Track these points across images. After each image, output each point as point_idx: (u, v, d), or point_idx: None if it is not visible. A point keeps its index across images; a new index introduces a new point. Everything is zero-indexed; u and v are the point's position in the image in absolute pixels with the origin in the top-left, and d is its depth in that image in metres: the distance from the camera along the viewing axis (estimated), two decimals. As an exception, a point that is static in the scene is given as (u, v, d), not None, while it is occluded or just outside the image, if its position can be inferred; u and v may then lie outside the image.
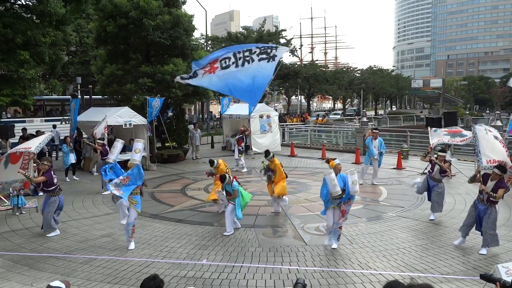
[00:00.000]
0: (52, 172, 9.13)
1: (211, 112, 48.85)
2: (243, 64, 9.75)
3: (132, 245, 8.16)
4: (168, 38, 18.20)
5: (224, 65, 9.75)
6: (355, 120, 39.76)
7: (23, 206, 10.93)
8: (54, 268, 7.15)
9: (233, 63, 9.76)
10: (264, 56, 9.79)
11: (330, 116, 57.08)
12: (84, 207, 11.46)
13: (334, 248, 7.91)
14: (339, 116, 58.14)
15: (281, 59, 48.70)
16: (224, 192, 9.12)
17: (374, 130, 14.47)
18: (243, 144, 17.25)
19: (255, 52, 9.79)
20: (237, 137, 17.34)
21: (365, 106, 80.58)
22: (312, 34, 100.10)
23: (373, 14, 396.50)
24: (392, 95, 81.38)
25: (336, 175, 7.76)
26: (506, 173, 7.62)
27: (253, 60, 9.79)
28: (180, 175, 16.10)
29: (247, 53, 9.80)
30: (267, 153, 10.33)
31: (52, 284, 3.37)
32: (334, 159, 8.10)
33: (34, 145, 9.43)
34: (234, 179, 8.92)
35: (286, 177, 10.34)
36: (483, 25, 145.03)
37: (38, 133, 18.20)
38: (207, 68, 9.79)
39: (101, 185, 12.84)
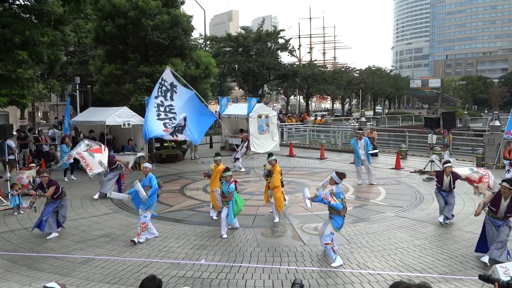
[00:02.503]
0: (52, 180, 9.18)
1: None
2: (171, 97, 10.93)
3: (141, 240, 8.45)
4: (167, 38, 18.21)
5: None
6: (350, 121, 39.69)
7: (21, 206, 10.92)
8: (52, 268, 7.14)
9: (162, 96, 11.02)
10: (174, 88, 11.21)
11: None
12: (82, 207, 11.45)
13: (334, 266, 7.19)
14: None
15: (280, 59, 48.86)
16: (219, 192, 9.06)
17: (358, 131, 14.55)
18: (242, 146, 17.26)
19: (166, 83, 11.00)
20: (244, 144, 17.25)
21: (364, 106, 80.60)
22: (310, 34, 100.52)
23: (371, 14, 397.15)
24: (391, 95, 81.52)
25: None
26: None
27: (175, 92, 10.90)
28: (178, 175, 16.10)
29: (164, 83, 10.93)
30: (270, 155, 10.32)
31: (48, 285, 3.36)
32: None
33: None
34: (234, 183, 8.87)
35: (283, 186, 10.05)
36: (481, 25, 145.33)
37: (40, 132, 18.27)
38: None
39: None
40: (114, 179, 12.56)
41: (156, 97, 11.17)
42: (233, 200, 8.78)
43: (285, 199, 10.13)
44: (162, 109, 11.12)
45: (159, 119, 11.06)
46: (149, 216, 8.62)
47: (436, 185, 9.76)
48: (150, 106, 11.18)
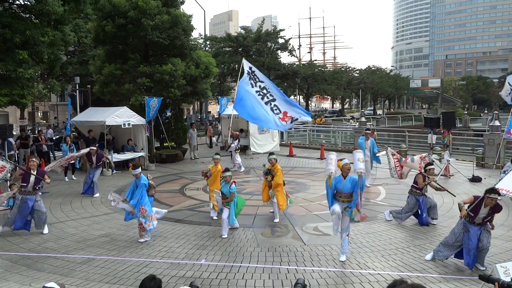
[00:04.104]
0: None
1: (210, 112, 48.84)
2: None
3: (142, 239, 8.53)
4: (167, 38, 18.20)
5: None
6: (350, 120, 39.64)
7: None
8: (52, 268, 7.14)
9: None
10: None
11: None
12: (82, 207, 11.45)
13: (341, 261, 7.35)
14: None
15: (279, 58, 48.83)
16: (220, 194, 9.05)
17: (366, 131, 14.37)
18: (237, 143, 17.10)
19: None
20: (235, 142, 17.12)
21: (364, 106, 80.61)
22: (310, 34, 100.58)
23: (371, 14, 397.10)
24: (391, 95, 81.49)
25: (345, 177, 7.37)
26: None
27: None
28: (178, 175, 16.09)
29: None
30: (271, 153, 10.42)
31: (47, 285, 3.36)
32: (343, 159, 7.70)
33: None
34: (234, 183, 8.87)
35: (284, 184, 10.08)
36: (481, 25, 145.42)
37: (39, 133, 18.33)
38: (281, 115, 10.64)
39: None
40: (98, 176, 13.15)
41: (253, 86, 10.57)
42: (235, 201, 8.78)
43: (288, 196, 10.14)
44: (264, 92, 10.61)
45: (266, 103, 10.54)
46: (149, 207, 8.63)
47: (415, 187, 9.57)
48: (248, 96, 10.52)
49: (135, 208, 8.42)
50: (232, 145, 16.85)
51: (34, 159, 9.37)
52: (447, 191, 9.37)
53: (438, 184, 9.56)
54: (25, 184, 9.06)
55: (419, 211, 9.55)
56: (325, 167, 7.41)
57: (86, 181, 12.93)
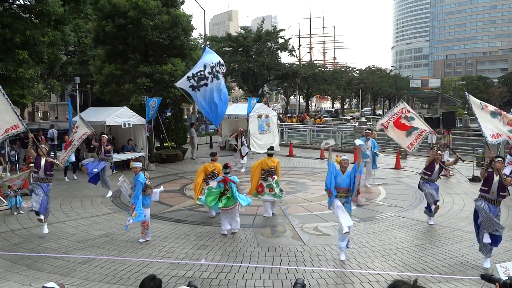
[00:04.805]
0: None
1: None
2: (212, 80, 9.88)
3: (142, 239, 8.56)
4: (167, 38, 18.20)
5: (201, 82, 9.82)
6: (351, 121, 39.61)
7: (21, 206, 10.92)
8: (52, 268, 7.14)
9: (206, 78, 9.81)
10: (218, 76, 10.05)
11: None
12: (82, 207, 11.45)
13: (342, 260, 7.37)
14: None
15: (279, 58, 48.75)
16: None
17: (366, 132, 14.29)
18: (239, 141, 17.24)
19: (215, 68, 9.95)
20: (245, 143, 17.25)
21: (364, 106, 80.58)
22: (310, 34, 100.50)
23: (371, 14, 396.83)
24: (391, 95, 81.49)
25: (343, 172, 7.56)
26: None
27: (218, 78, 10.00)
28: (178, 175, 16.09)
29: (217, 68, 9.96)
30: (270, 148, 10.82)
31: (47, 285, 3.36)
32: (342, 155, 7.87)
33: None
34: (223, 182, 8.91)
35: (266, 180, 10.19)
36: (481, 25, 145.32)
37: (39, 133, 18.32)
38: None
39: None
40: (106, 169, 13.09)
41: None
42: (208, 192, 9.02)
43: (260, 193, 10.18)
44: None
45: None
46: (148, 214, 8.62)
47: (425, 172, 9.59)
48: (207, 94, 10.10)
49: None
50: (247, 149, 17.10)
51: (43, 145, 9.55)
52: (457, 158, 9.31)
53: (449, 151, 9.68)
54: (37, 170, 9.11)
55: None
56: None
57: (96, 166, 12.50)
